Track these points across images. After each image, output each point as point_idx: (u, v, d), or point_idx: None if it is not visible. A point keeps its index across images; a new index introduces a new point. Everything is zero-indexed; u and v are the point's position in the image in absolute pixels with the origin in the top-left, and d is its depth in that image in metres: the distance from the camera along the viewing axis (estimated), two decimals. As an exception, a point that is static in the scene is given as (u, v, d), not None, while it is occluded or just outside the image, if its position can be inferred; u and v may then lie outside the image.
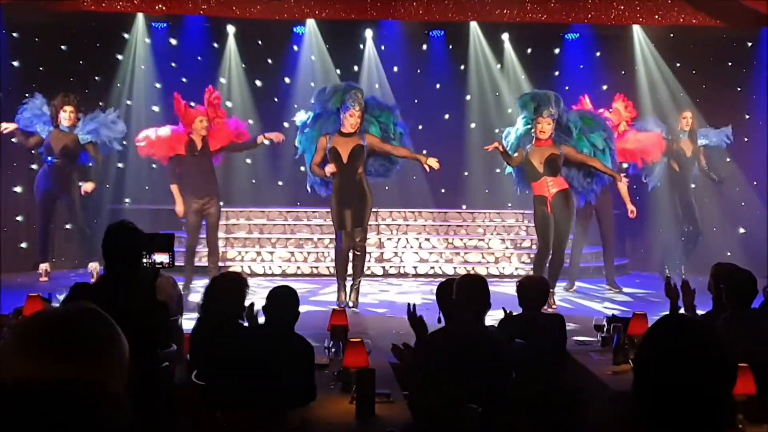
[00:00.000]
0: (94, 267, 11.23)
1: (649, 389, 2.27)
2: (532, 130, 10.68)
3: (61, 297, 6.92)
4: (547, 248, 10.68)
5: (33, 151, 12.46)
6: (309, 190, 11.15)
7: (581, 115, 11.10)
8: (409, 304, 5.71)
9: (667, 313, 2.38)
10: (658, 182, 12.91)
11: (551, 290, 10.45)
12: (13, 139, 12.24)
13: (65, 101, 11.95)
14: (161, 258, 5.45)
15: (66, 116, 11.89)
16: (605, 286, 12.18)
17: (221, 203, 11.80)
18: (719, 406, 2.25)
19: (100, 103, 12.87)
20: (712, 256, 11.72)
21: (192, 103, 11.71)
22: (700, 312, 6.19)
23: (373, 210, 13.05)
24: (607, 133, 10.99)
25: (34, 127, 12.04)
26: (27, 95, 12.52)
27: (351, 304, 10.51)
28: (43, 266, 12.12)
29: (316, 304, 10.49)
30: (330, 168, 10.41)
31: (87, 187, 12.07)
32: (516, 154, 10.76)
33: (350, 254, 10.71)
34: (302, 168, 11.04)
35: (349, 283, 10.74)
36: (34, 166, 13.10)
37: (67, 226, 12.62)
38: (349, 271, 10.79)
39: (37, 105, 12.07)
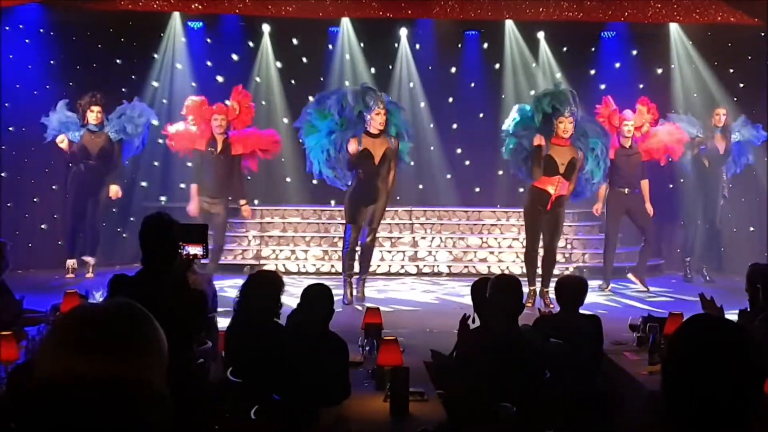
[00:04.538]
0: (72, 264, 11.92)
1: (679, 389, 2.25)
2: (554, 129, 10.64)
3: (98, 294, 6.98)
4: (535, 244, 10.88)
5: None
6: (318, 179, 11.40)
7: (590, 121, 11.23)
8: (465, 314, 5.75)
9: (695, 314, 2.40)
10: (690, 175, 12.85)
11: (545, 289, 10.66)
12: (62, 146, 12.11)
13: (92, 101, 11.99)
14: (195, 250, 5.48)
15: (93, 116, 11.93)
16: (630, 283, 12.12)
17: (249, 204, 11.89)
18: (749, 407, 2.23)
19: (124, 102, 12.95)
20: (747, 257, 11.64)
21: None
22: (735, 311, 6.16)
23: (407, 209, 13.09)
24: (605, 143, 11.04)
25: (59, 133, 12.09)
26: (64, 94, 12.62)
27: (357, 299, 10.74)
28: (70, 262, 12.19)
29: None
30: (353, 147, 10.48)
31: (114, 191, 12.14)
32: (536, 164, 10.71)
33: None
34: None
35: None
36: (70, 164, 13.20)
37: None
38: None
39: (63, 113, 12.10)
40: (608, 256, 12.10)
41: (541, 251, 10.93)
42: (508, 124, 10.99)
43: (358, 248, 10.96)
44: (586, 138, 10.83)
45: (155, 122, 12.51)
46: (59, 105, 12.16)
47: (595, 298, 10.98)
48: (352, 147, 10.46)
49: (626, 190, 11.78)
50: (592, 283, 11.04)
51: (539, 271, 10.85)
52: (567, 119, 10.51)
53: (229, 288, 10.53)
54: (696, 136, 12.66)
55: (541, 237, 10.87)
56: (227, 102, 11.73)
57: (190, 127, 11.65)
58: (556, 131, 10.57)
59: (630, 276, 12.10)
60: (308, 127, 10.90)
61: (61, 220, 13.42)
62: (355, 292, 10.80)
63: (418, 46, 15.03)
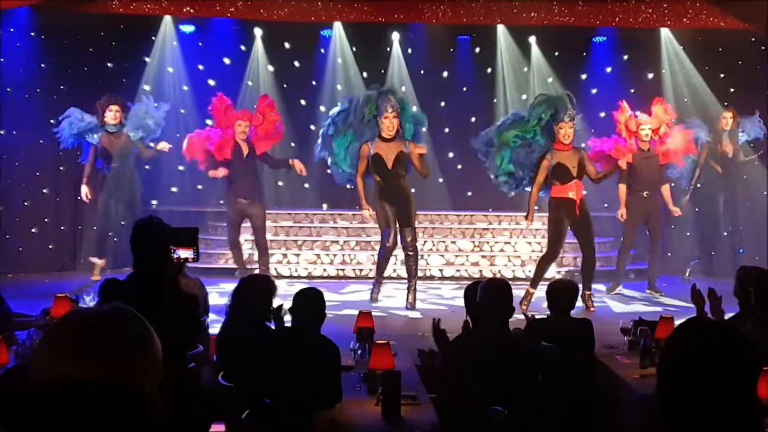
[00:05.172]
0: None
1: (674, 393, 2.25)
2: (555, 135, 10.70)
3: (88, 298, 6.96)
4: (555, 252, 11.04)
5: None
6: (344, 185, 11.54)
7: None
8: (434, 319, 5.73)
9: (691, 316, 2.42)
10: (693, 183, 12.86)
11: (588, 293, 10.55)
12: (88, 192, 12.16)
13: (110, 100, 12.01)
14: (186, 254, 5.45)
15: (112, 115, 11.92)
16: (647, 290, 12.10)
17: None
18: (744, 409, 2.23)
19: (128, 104, 12.94)
20: (737, 260, 11.68)
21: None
22: (728, 316, 6.15)
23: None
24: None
25: (81, 140, 12.09)
26: (55, 97, 12.60)
27: (410, 306, 10.80)
28: (100, 263, 12.11)
29: (343, 307, 10.51)
30: (365, 213, 11.07)
31: (164, 146, 12.20)
32: (540, 176, 10.78)
33: (393, 256, 11.31)
34: (328, 170, 11.25)
35: (396, 284, 11.33)
36: (62, 168, 13.20)
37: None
38: (387, 273, 11.40)
39: (78, 117, 12.07)
40: (621, 259, 12.11)
41: (545, 257, 11.12)
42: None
43: (400, 253, 11.26)
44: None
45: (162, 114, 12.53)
46: (72, 111, 12.10)
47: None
48: (365, 214, 11.09)
49: (645, 193, 11.76)
50: (596, 286, 11.15)
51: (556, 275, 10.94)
52: (567, 125, 10.57)
53: (216, 292, 10.51)
54: (707, 141, 12.70)
55: (578, 243, 11.15)
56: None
57: (204, 135, 11.73)
58: (557, 137, 10.60)
59: (648, 292, 12.04)
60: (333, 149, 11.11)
61: (53, 224, 13.43)
62: (409, 299, 10.88)
63: (410, 50, 15.04)
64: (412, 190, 11.32)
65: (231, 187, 11.80)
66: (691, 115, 13.23)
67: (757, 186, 13.47)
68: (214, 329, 6.35)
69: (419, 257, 11.34)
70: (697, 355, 2.25)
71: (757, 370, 2.29)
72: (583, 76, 14.79)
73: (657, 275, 12.17)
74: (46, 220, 13.53)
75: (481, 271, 13.22)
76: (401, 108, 10.85)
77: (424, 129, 11.44)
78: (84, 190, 12.03)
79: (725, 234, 13.31)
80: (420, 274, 13.02)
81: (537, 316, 6.95)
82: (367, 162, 10.76)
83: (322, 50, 14.99)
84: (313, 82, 15.00)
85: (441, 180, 14.90)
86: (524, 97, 14.82)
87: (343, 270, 13.31)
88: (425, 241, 13.69)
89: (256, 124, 11.70)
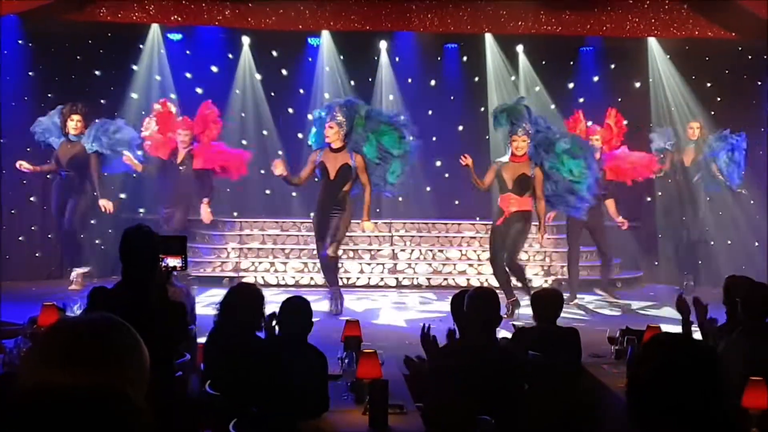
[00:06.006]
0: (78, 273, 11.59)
1: (643, 405, 2.28)
2: (508, 146, 10.81)
3: (75, 307, 6.94)
4: (492, 256, 11.12)
5: (49, 176, 12.44)
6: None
7: (573, 140, 11.12)
8: (423, 325, 5.72)
9: (662, 332, 2.44)
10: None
11: (511, 300, 10.70)
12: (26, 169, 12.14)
13: (72, 110, 11.97)
14: (174, 262, 5.44)
15: (73, 125, 11.90)
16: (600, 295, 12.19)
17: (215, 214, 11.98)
18: (716, 421, 2.25)
19: (115, 113, 12.91)
20: (726, 269, 11.69)
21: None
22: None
23: (387, 221, 13.10)
24: (589, 162, 11.04)
25: (47, 140, 12.08)
26: (42, 105, 12.57)
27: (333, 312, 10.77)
28: (79, 271, 12.02)
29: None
30: (276, 169, 10.79)
31: (103, 205, 12.03)
32: (487, 176, 10.99)
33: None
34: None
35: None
36: (49, 176, 13.15)
37: (50, 235, 12.67)
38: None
39: (50, 113, 12.09)
40: (572, 269, 12.15)
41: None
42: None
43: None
44: (554, 153, 10.83)
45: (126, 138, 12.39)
46: (56, 109, 12.14)
47: (576, 309, 11.07)
48: (277, 170, 10.76)
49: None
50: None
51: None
52: (520, 138, 10.68)
53: (203, 300, 10.49)
54: (664, 149, 12.74)
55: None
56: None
57: (155, 132, 11.70)
58: (510, 148, 10.72)
59: (597, 290, 12.15)
60: None
61: (40, 232, 13.39)
62: (329, 307, 10.81)
63: (397, 59, 15.05)
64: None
65: (161, 192, 11.84)
66: (661, 124, 13.33)
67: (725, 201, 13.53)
68: (202, 338, 6.34)
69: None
70: (661, 369, 2.27)
71: (721, 381, 2.31)
72: (570, 85, 14.83)
73: (609, 276, 12.30)
74: (33, 228, 13.49)
75: (468, 279, 13.23)
76: (370, 125, 10.88)
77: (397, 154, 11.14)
78: (24, 164, 11.97)
79: (703, 243, 13.37)
80: (407, 282, 13.08)
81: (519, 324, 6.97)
82: (312, 167, 10.75)
83: (310, 58, 14.99)
84: (301, 90, 15.00)
85: (428, 189, 14.91)
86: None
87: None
88: (413, 250, 13.72)
89: (197, 131, 11.60)
